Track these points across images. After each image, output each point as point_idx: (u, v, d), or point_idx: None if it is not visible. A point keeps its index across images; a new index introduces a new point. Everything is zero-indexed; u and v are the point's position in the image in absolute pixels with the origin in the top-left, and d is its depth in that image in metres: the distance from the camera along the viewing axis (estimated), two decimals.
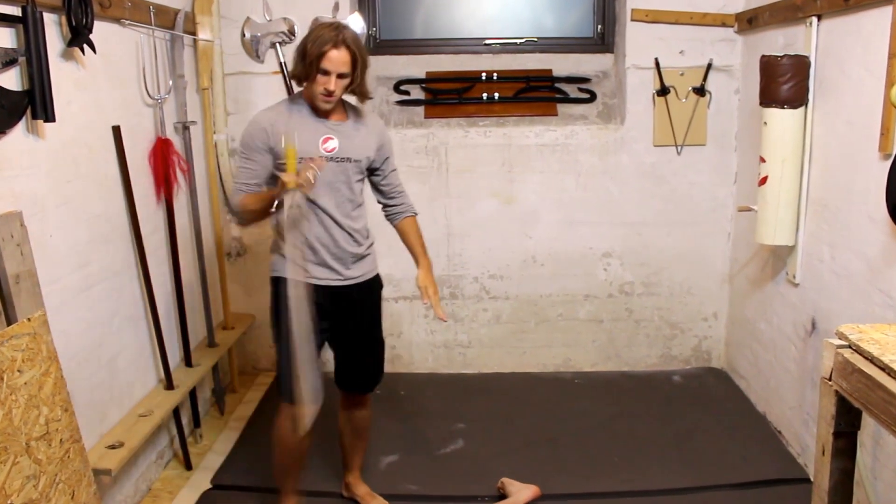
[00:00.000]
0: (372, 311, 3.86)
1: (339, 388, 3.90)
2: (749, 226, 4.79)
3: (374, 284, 3.84)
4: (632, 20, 5.19)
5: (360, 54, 3.42)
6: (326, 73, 3.36)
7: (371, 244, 3.77)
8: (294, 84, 3.69)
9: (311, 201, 3.48)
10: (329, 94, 3.39)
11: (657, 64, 5.21)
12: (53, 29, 3.29)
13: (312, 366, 3.49)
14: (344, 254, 3.61)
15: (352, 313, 3.74)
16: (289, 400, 3.61)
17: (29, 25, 3.00)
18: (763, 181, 4.27)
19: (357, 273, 3.69)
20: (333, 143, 3.51)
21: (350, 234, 3.61)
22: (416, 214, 3.89)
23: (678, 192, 5.41)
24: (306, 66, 3.39)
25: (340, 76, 3.38)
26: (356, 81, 3.47)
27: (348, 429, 4.00)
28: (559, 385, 5.51)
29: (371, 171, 3.73)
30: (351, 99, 3.66)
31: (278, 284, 3.59)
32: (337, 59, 3.35)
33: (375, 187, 3.81)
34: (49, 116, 3.12)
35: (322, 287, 3.59)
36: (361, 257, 3.70)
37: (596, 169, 5.40)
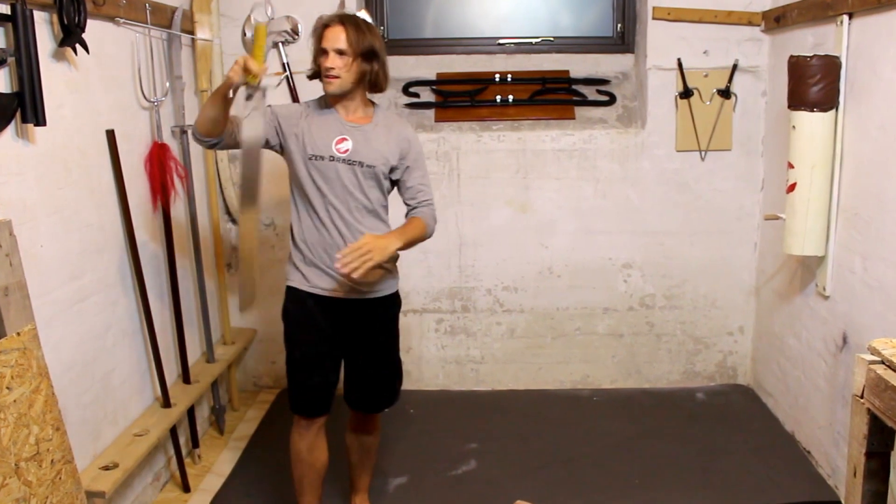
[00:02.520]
0: (385, 329, 3.81)
1: (347, 404, 3.89)
2: (777, 235, 4.78)
3: (389, 302, 3.78)
4: (653, 18, 5.19)
5: (357, 33, 3.47)
6: (326, 52, 3.46)
7: (393, 258, 3.66)
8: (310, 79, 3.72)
9: (325, 203, 3.54)
10: (329, 73, 3.46)
11: (680, 65, 5.20)
12: (44, 28, 3.30)
13: None
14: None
15: (363, 329, 3.72)
16: (299, 412, 3.73)
17: (19, 24, 3.00)
18: (791, 188, 4.25)
19: (372, 287, 3.66)
20: (347, 145, 3.54)
21: None
22: (427, 226, 3.65)
23: (702, 199, 5.40)
24: (312, 55, 3.57)
25: (339, 53, 3.44)
26: (366, 68, 3.52)
27: (356, 446, 4.00)
28: (577, 403, 5.49)
29: (394, 180, 3.69)
30: (379, 100, 3.73)
31: (287, 294, 3.71)
32: (331, 35, 3.45)
33: (400, 195, 3.74)
34: (40, 120, 3.12)
35: (330, 299, 3.62)
36: (377, 269, 3.60)
37: (615, 175, 5.39)
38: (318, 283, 3.60)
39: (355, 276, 3.30)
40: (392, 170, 3.63)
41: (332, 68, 3.44)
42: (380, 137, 3.60)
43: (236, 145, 3.60)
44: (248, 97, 3.39)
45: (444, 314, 5.62)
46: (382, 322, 3.79)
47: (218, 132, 3.48)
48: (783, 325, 4.97)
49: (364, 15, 4.64)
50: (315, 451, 3.76)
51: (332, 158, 3.51)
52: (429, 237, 3.67)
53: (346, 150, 3.52)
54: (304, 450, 3.73)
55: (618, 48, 5.62)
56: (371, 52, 3.50)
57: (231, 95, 3.35)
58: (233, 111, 3.46)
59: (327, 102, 3.62)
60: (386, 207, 3.71)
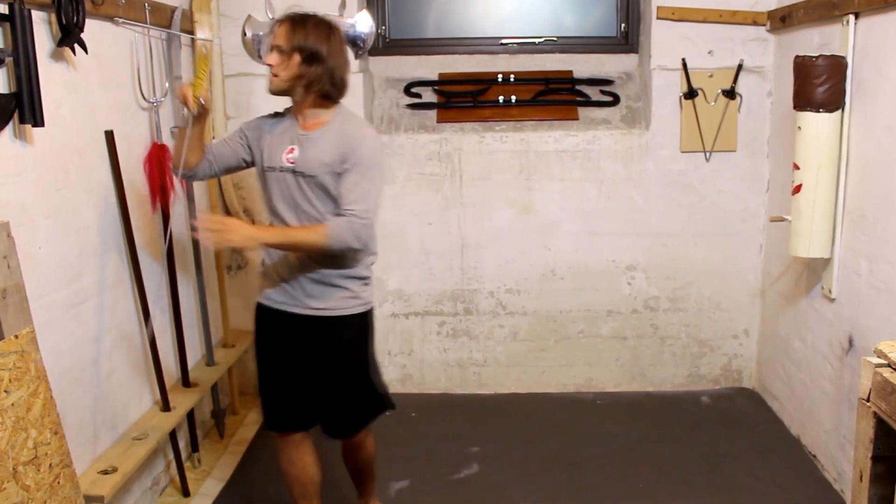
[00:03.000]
0: (344, 352, 3.60)
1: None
2: (782, 237, 4.77)
3: (345, 323, 3.55)
4: (657, 18, 5.19)
5: (297, 30, 3.33)
6: (271, 49, 3.38)
7: (353, 277, 3.52)
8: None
9: (277, 215, 3.47)
10: (271, 69, 3.35)
11: (684, 65, 5.20)
12: (42, 28, 3.30)
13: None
14: (304, 278, 3.48)
15: (320, 349, 3.56)
16: (266, 426, 3.71)
17: (16, 24, 3.00)
18: (797, 189, 4.25)
19: (322, 305, 3.50)
20: (294, 155, 3.41)
21: (312, 257, 3.44)
22: (328, 236, 3.27)
23: (707, 201, 5.40)
24: None
25: (279, 50, 3.33)
26: (306, 70, 3.34)
27: (349, 463, 3.95)
28: (580, 406, 5.49)
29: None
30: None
31: (256, 309, 3.68)
32: (277, 31, 3.35)
33: None
34: (38, 121, 3.12)
35: (281, 312, 3.55)
36: (328, 286, 3.49)
37: (619, 176, 5.39)
38: (273, 297, 3.55)
39: (205, 244, 3.29)
40: (333, 174, 3.38)
41: (270, 66, 3.35)
42: (325, 144, 3.38)
43: (217, 174, 3.70)
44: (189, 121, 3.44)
45: (446, 317, 5.62)
46: (340, 344, 3.58)
47: (190, 164, 3.54)
48: (789, 327, 4.97)
49: (365, 16, 4.60)
50: (297, 465, 3.67)
51: (282, 169, 3.41)
52: (333, 248, 3.31)
53: (293, 161, 3.40)
54: (285, 462, 3.68)
55: (622, 48, 5.62)
56: (313, 54, 3.33)
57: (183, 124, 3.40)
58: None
59: (290, 111, 3.54)
60: None
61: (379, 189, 3.42)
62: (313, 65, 3.33)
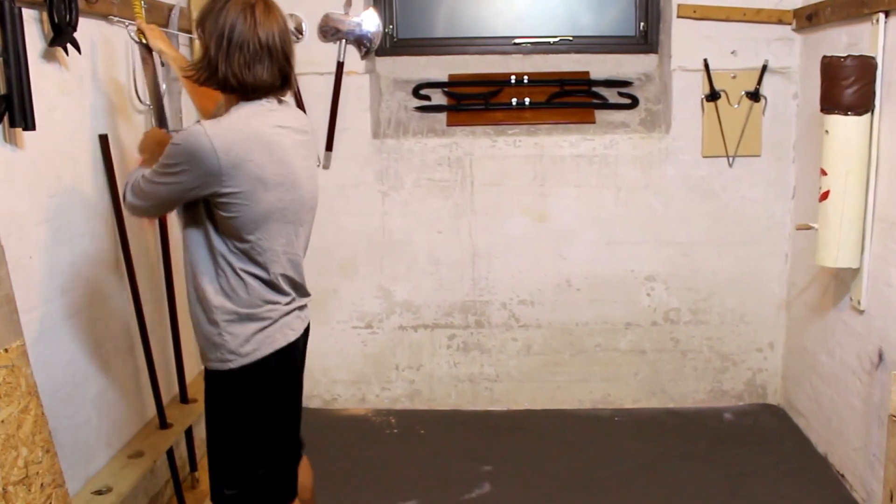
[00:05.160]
0: (207, 405, 3.14)
1: None
2: (809, 246, 4.75)
3: (209, 377, 3.08)
4: (678, 17, 5.17)
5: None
6: None
7: (210, 320, 2.95)
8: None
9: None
10: None
11: (706, 65, 5.18)
12: (34, 27, 3.29)
13: None
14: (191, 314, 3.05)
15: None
16: None
17: (6, 23, 2.98)
18: (824, 196, 4.23)
19: (206, 355, 3.06)
20: None
21: (193, 288, 3.00)
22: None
23: (730, 208, 5.38)
24: None
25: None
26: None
27: None
28: (597, 423, 5.47)
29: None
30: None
31: None
32: None
33: None
34: (29, 124, 3.10)
35: None
36: (201, 329, 3.01)
37: (638, 183, 5.37)
38: None
39: None
40: None
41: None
42: None
43: None
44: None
45: (457, 329, 5.61)
46: (206, 395, 3.12)
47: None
48: (815, 340, 4.94)
49: (372, 14, 4.56)
50: None
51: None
52: (125, 197, 2.96)
53: None
54: None
55: (641, 48, 5.61)
56: (200, 22, 2.81)
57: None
58: None
59: None
60: (225, 239, 2.87)
61: (164, 185, 2.79)
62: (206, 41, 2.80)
